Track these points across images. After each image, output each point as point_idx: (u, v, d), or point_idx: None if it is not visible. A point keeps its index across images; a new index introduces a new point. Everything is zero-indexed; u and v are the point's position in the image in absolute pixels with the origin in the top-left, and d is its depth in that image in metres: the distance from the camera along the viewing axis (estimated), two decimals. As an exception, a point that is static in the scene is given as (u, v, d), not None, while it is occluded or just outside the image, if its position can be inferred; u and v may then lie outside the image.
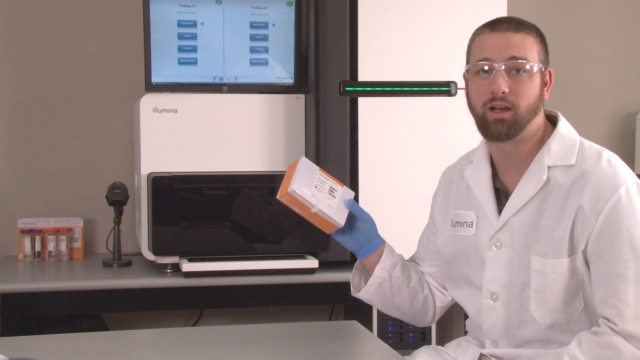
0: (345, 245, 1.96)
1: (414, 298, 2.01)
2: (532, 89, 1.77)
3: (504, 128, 1.77)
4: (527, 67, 1.76)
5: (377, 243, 1.96)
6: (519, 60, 1.76)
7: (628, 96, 3.84)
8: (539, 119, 1.82)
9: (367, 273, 2.01)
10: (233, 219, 2.91)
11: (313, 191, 1.86)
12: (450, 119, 3.00)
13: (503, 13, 2.98)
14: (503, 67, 1.76)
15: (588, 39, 3.79)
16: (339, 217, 1.89)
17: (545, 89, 1.83)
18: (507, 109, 1.76)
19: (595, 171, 1.75)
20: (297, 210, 1.87)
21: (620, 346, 1.67)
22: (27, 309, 2.86)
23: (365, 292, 1.99)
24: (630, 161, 3.67)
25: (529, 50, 1.78)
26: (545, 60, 1.82)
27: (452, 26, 3.00)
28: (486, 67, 1.78)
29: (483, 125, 1.80)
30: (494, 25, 1.81)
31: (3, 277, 2.94)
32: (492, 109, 1.77)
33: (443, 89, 3.02)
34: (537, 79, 1.79)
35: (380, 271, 1.96)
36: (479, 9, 2.98)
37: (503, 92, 1.75)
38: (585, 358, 1.67)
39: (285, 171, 1.93)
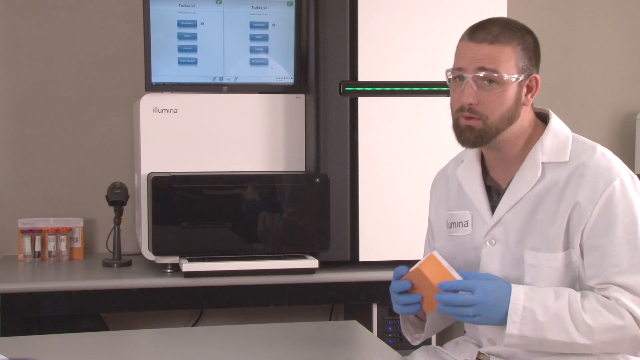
0: (413, 308, 1.84)
1: None
2: (503, 99, 1.77)
3: (472, 136, 1.80)
4: (497, 78, 1.76)
5: None
6: (487, 73, 1.76)
7: (628, 96, 3.84)
8: (522, 123, 1.82)
9: (410, 318, 1.98)
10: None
11: None
12: (450, 119, 2.99)
13: (503, 13, 2.97)
14: (471, 78, 1.77)
15: (588, 38, 3.79)
16: None
17: (530, 95, 1.82)
18: (477, 118, 1.78)
19: (590, 164, 1.77)
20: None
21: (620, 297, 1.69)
22: (27, 309, 2.86)
23: (424, 337, 1.97)
24: (630, 161, 3.67)
25: (503, 61, 1.77)
26: (529, 67, 1.80)
27: (452, 26, 2.99)
28: (457, 77, 1.81)
29: (455, 130, 1.84)
30: (474, 32, 1.81)
31: (3, 277, 2.94)
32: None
33: (443, 89, 3.01)
34: (511, 89, 1.78)
35: (430, 314, 1.93)
36: (478, 9, 2.98)
37: (470, 104, 1.78)
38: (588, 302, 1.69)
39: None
